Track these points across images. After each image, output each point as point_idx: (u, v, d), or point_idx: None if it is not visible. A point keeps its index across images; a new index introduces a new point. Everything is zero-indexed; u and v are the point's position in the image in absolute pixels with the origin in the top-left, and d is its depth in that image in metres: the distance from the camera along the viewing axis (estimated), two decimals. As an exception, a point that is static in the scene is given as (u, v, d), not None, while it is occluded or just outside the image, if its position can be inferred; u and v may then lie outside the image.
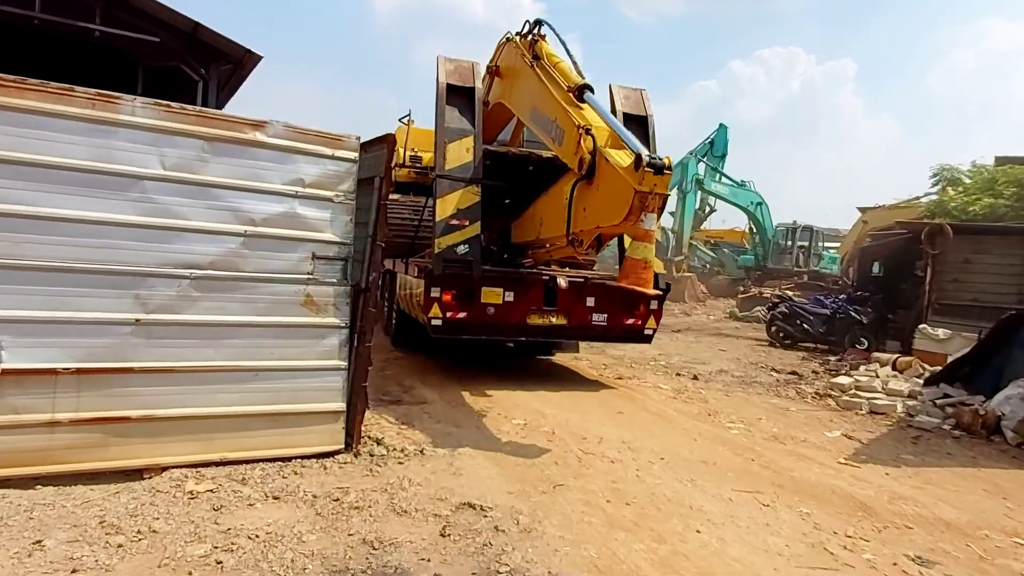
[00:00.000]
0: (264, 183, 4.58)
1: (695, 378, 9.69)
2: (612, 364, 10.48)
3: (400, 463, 4.86)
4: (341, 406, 4.94)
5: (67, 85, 4.03)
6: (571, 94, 6.42)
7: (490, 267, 7.91)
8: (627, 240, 6.06)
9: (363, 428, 5.24)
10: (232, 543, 3.36)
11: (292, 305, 4.73)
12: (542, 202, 7.65)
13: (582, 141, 6.00)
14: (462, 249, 7.38)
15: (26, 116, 3.91)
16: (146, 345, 4.28)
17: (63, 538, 3.30)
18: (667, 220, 31.34)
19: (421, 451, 5.17)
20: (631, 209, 5.24)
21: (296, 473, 4.46)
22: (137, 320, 4.25)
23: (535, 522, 3.96)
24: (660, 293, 6.96)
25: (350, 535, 3.59)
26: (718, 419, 7.23)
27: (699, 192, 26.89)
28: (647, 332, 8.35)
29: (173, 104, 4.31)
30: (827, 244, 30.04)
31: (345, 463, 4.75)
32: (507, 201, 8.60)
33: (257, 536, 3.46)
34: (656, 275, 6.64)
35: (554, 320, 7.91)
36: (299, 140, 4.68)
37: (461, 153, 7.62)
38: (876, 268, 15.23)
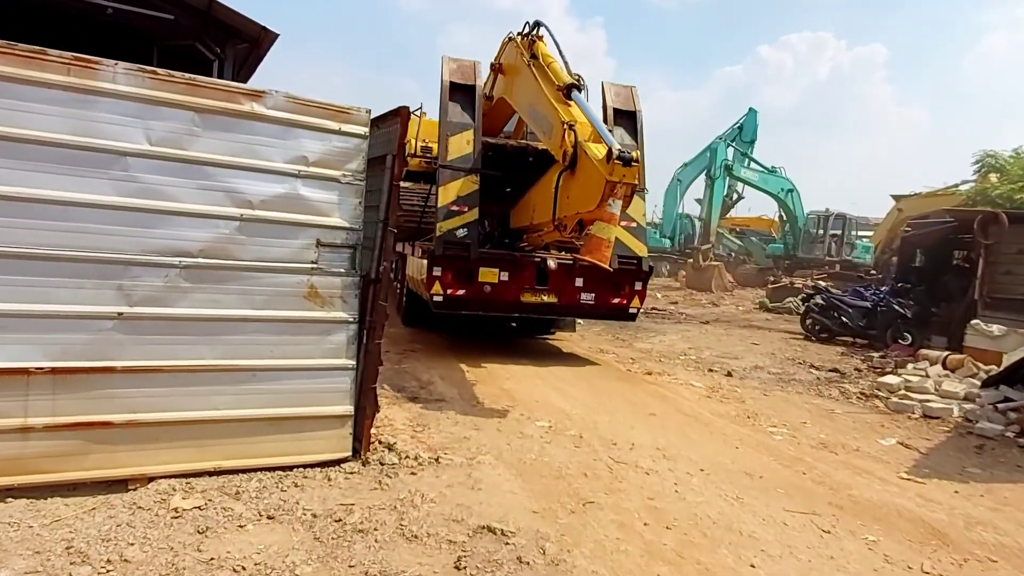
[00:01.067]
0: (263, 161, 4.09)
1: (729, 375, 9.11)
2: (640, 358, 9.93)
3: (413, 473, 4.38)
4: (348, 409, 4.46)
5: (39, 48, 3.56)
6: (560, 92, 7.00)
7: (487, 249, 8.50)
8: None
9: (374, 431, 4.78)
10: (214, 577, 2.91)
11: (294, 298, 4.25)
12: (535, 191, 8.16)
13: (566, 136, 6.53)
14: (461, 233, 8.03)
15: (-8, 83, 3.45)
16: (130, 342, 3.82)
17: (21, 568, 2.87)
18: (694, 208, 30.65)
19: (436, 459, 4.68)
20: (603, 196, 5.78)
21: (296, 485, 4.00)
22: (119, 314, 3.79)
23: (563, 551, 3.46)
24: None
25: (351, 567, 3.11)
26: (759, 422, 6.66)
27: (727, 178, 26.03)
28: (631, 311, 8.96)
29: (159, 70, 3.82)
30: (860, 233, 29.04)
31: (352, 473, 4.28)
32: (508, 189, 9.08)
33: (243, 568, 3.00)
34: (640, 258, 8.60)
35: (545, 298, 8.51)
36: (302, 113, 4.17)
37: (462, 145, 8.25)
38: (918, 258, 14.46)
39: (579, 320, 11.51)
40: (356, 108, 4.35)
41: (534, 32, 7.99)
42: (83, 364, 3.72)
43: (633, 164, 5.69)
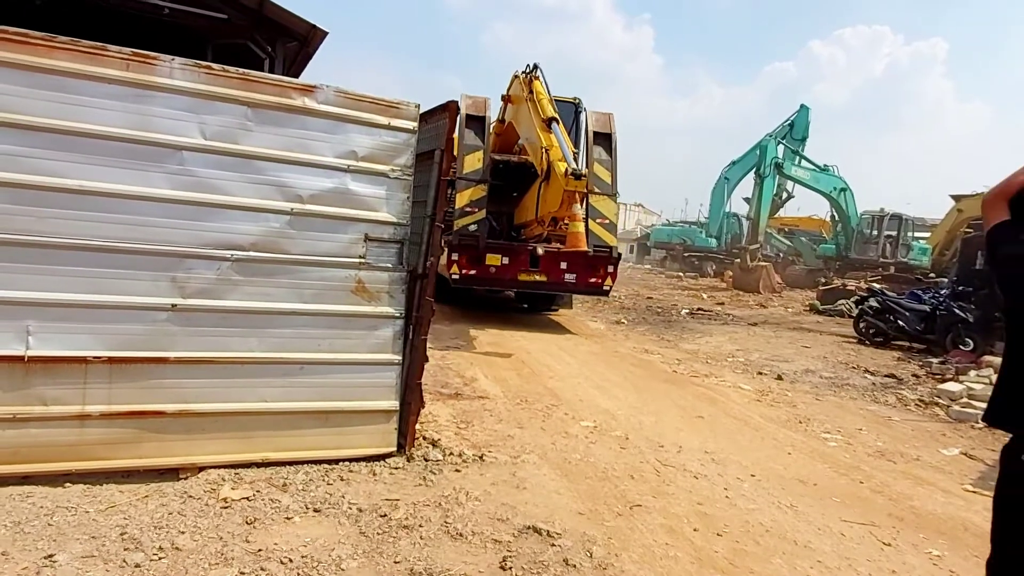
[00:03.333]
0: (313, 155, 4.10)
1: (779, 378, 8.86)
2: (686, 359, 9.74)
3: (457, 471, 4.35)
4: (394, 404, 4.46)
5: (99, 44, 3.63)
6: (544, 123, 9.31)
7: (491, 240, 10.97)
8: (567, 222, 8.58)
9: (418, 427, 4.77)
10: (261, 568, 2.92)
11: (342, 292, 4.26)
12: (528, 195, 10.84)
13: (543, 156, 9.10)
14: (473, 228, 10.58)
15: (55, 78, 3.52)
16: (183, 333, 3.88)
17: (78, 552, 2.93)
18: (742, 207, 30.02)
19: (481, 457, 4.65)
20: (562, 201, 8.40)
21: (342, 479, 4.01)
22: (173, 305, 3.85)
23: (611, 555, 3.37)
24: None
25: (396, 563, 3.09)
26: (811, 428, 6.44)
27: (777, 177, 25.38)
28: (605, 288, 11.37)
29: (214, 65, 3.87)
30: (916, 234, 28.01)
31: (396, 468, 4.28)
32: (515, 194, 11.82)
33: (291, 560, 3.00)
34: (611, 247, 11.03)
35: (537, 277, 10.92)
36: (352, 107, 4.17)
37: (474, 162, 10.81)
38: (980, 260, 13.84)
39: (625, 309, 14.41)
40: (405, 103, 4.33)
41: (532, 72, 10.33)
42: (138, 354, 3.79)
43: (582, 178, 8.21)
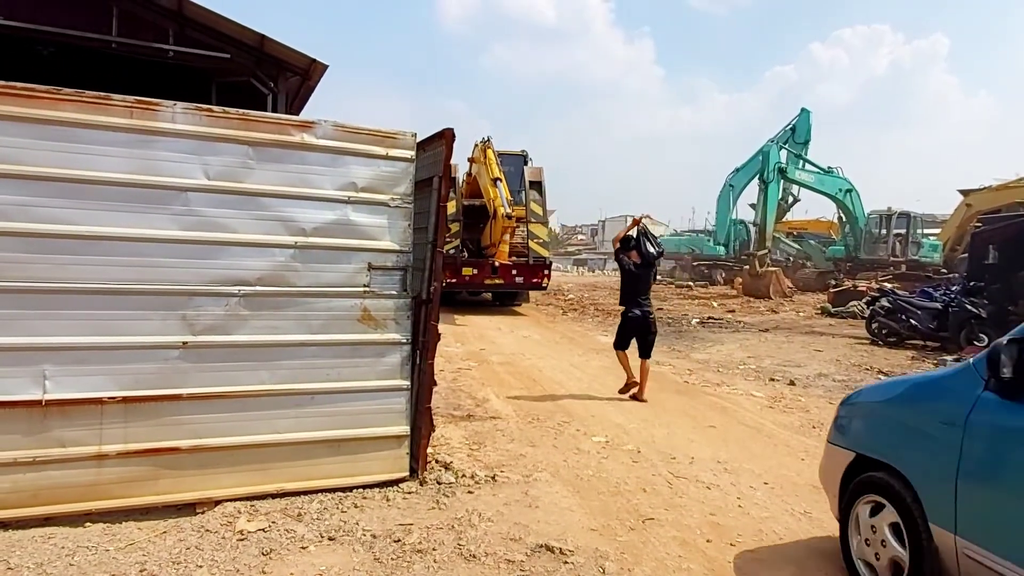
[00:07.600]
0: (314, 189, 4.21)
1: (792, 384, 8.83)
2: (697, 369, 9.73)
3: (470, 492, 4.39)
4: (405, 429, 4.51)
5: (103, 94, 3.76)
6: (491, 181, 14.85)
7: (465, 257, 16.44)
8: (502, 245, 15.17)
9: (431, 450, 4.82)
10: (278, 599, 2.97)
11: (348, 321, 4.34)
12: (487, 228, 16.17)
13: (491, 203, 15.03)
14: (452, 252, 15.46)
15: (63, 129, 3.65)
16: (194, 370, 3.96)
17: (99, 590, 2.99)
18: (748, 213, 30.02)
19: (493, 477, 4.68)
20: (502, 232, 14.74)
21: (356, 506, 4.06)
22: (184, 343, 3.94)
23: (624, 570, 3.39)
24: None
25: (411, 587, 3.13)
26: (824, 432, 6.40)
27: (781, 181, 25.40)
28: (544, 285, 17.19)
29: (215, 108, 3.99)
30: (926, 231, 27.85)
31: (410, 493, 4.32)
32: (481, 226, 16.60)
33: (307, 589, 3.05)
34: (544, 257, 17.07)
35: (497, 280, 16.19)
36: (350, 140, 4.28)
37: (449, 208, 15.37)
38: (991, 255, 13.76)
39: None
40: (402, 132, 4.43)
41: (487, 143, 15.63)
42: (152, 392, 3.87)
43: (510, 217, 14.31)
